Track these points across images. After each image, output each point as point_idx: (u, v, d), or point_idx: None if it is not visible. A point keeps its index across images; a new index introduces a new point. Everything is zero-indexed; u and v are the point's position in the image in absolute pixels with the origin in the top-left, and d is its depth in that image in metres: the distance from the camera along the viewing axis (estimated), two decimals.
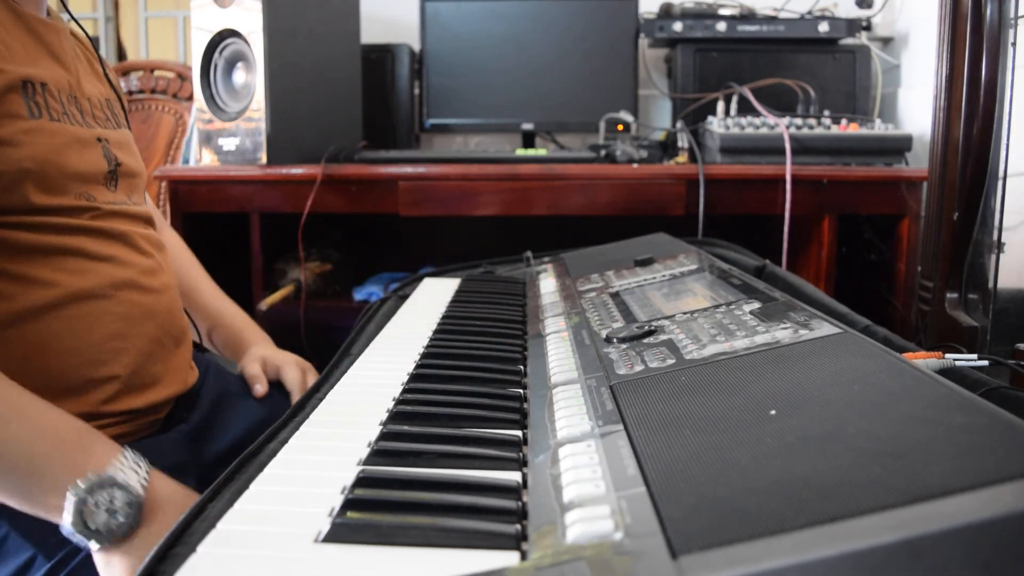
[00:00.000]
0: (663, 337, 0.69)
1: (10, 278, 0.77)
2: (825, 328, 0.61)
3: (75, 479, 0.66)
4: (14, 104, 0.76)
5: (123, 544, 0.67)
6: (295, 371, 1.07)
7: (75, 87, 0.86)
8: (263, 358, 1.09)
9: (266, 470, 0.53)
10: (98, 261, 0.82)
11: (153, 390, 0.87)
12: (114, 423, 0.83)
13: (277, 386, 1.08)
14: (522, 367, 0.75)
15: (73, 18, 0.95)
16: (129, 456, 0.71)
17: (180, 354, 0.93)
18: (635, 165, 1.64)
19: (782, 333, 0.62)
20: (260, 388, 1.05)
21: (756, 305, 0.72)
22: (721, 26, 1.87)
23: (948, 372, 0.68)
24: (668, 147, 1.79)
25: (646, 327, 0.72)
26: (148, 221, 0.94)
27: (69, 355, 0.79)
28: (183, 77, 2.05)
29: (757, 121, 1.65)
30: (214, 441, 0.93)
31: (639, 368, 0.62)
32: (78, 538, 0.66)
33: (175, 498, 0.71)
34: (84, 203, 0.82)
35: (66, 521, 0.66)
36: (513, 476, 0.51)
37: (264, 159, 1.58)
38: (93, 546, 0.66)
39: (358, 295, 1.81)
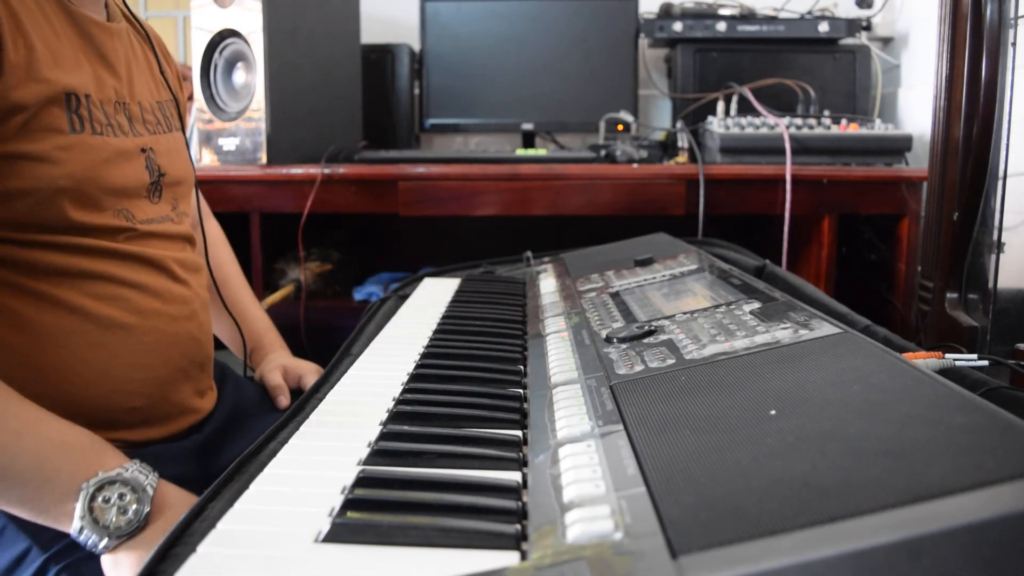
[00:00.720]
0: (663, 337, 0.69)
1: (38, 299, 0.76)
2: (825, 328, 0.61)
3: (78, 484, 0.67)
4: (55, 117, 0.74)
5: (130, 542, 0.67)
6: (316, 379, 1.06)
7: (124, 94, 0.84)
8: (283, 367, 1.08)
9: (266, 470, 0.53)
10: (128, 288, 0.81)
11: (172, 421, 0.87)
12: (128, 451, 0.82)
13: (295, 395, 1.07)
14: (522, 367, 0.75)
15: (134, 18, 0.93)
16: (137, 462, 0.72)
17: (202, 380, 0.92)
18: (635, 165, 1.64)
19: (782, 333, 0.62)
20: (284, 400, 1.04)
21: (756, 305, 0.72)
22: (721, 26, 1.87)
23: (948, 372, 0.68)
24: (668, 147, 1.79)
25: (646, 327, 0.72)
26: (187, 239, 0.92)
27: (92, 384, 0.79)
28: (183, 77, 2.05)
29: (757, 121, 1.65)
30: (226, 453, 0.92)
31: (639, 368, 0.62)
32: (87, 537, 0.66)
33: (181, 499, 0.72)
34: (122, 222, 0.81)
35: (76, 519, 0.66)
36: (513, 476, 0.51)
37: (264, 159, 1.58)
38: (101, 545, 0.66)
39: (358, 295, 1.81)
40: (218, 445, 0.92)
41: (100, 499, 0.67)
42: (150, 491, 0.70)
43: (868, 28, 1.92)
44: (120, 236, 0.81)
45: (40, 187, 0.73)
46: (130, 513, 0.68)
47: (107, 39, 0.84)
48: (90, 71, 0.80)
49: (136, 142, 0.84)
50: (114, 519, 0.67)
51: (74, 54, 0.79)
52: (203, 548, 0.42)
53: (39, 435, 0.69)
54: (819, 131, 1.63)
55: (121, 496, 0.68)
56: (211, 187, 1.63)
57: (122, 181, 0.81)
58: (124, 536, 0.67)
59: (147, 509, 0.69)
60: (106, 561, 0.68)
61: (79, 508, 0.66)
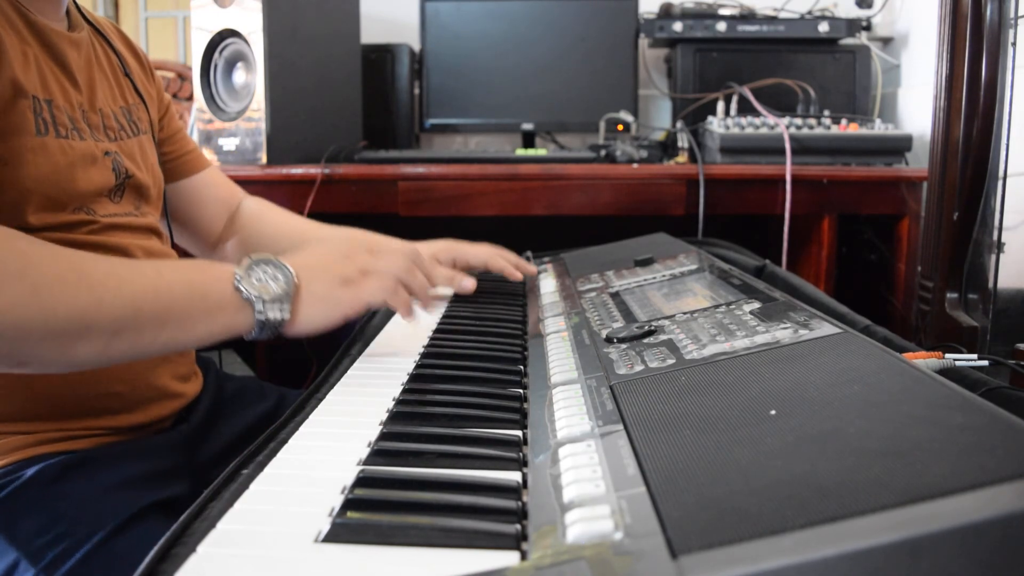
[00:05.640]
0: (663, 337, 0.69)
1: None
2: (825, 328, 0.61)
3: (230, 280, 0.70)
4: (23, 118, 0.73)
5: (298, 300, 0.72)
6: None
7: (85, 103, 0.84)
8: (433, 256, 1.09)
9: (266, 470, 0.53)
10: None
11: (156, 405, 0.86)
12: (117, 438, 0.82)
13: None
14: (522, 367, 0.75)
15: (92, 23, 0.92)
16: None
17: (182, 364, 0.92)
18: (635, 165, 1.64)
19: (782, 333, 0.62)
20: (469, 283, 1.02)
21: (756, 305, 0.72)
22: (721, 26, 1.87)
23: (948, 372, 0.68)
24: (668, 147, 1.79)
25: (646, 327, 0.72)
26: (152, 231, 0.92)
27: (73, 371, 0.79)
28: (183, 77, 2.05)
29: (757, 121, 1.65)
30: (209, 444, 0.93)
31: (639, 368, 0.62)
32: (273, 313, 0.70)
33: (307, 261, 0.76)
34: (83, 216, 0.80)
35: (255, 303, 0.69)
36: (513, 476, 0.51)
37: (264, 159, 1.58)
38: (285, 312, 0.71)
39: None
40: (202, 436, 0.92)
41: (255, 279, 0.70)
42: (273, 258, 0.73)
43: (868, 28, 1.92)
44: (82, 229, 0.80)
45: (6, 189, 0.72)
46: (280, 278, 0.72)
47: (69, 49, 0.83)
48: (53, 81, 0.79)
49: (100, 147, 0.83)
50: (274, 286, 0.71)
51: (38, 64, 0.78)
52: (203, 548, 0.42)
53: (167, 267, 0.70)
54: (819, 131, 1.63)
55: (264, 270, 0.71)
56: None
57: (86, 185, 0.80)
58: (289, 295, 0.71)
59: (288, 268, 0.72)
60: (294, 329, 0.73)
61: (251, 292, 0.69)
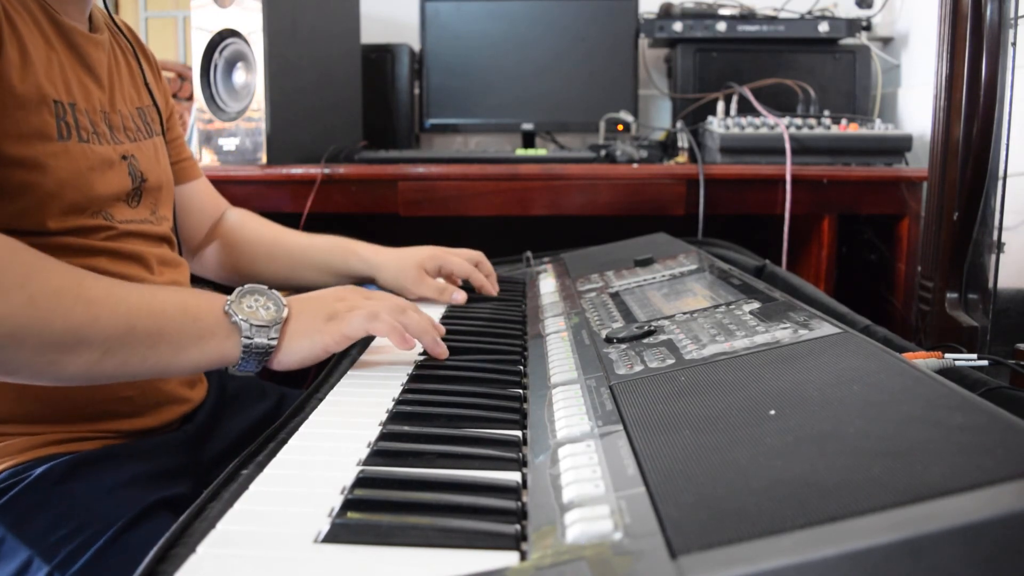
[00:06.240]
0: (663, 337, 0.69)
1: None
2: (825, 328, 0.61)
3: (221, 306, 0.71)
4: (44, 122, 0.74)
5: (287, 330, 0.74)
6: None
7: (106, 104, 0.85)
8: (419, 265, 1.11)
9: (266, 470, 0.53)
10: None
11: (165, 410, 0.87)
12: (124, 441, 0.82)
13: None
14: (522, 367, 0.75)
15: (116, 25, 0.92)
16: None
17: None
18: (635, 165, 1.64)
19: (782, 333, 0.62)
20: (460, 296, 1.06)
21: (756, 305, 0.72)
22: (721, 26, 1.87)
23: (948, 372, 0.68)
24: (668, 147, 1.79)
25: (646, 327, 0.72)
26: (165, 240, 0.93)
27: None
28: (183, 77, 2.05)
29: (757, 121, 1.65)
30: (211, 443, 0.93)
31: (639, 368, 0.62)
32: (259, 338, 0.71)
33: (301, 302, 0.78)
34: (101, 222, 0.81)
35: (242, 327, 0.71)
36: (513, 476, 0.51)
37: (264, 159, 1.58)
38: (272, 335, 0.72)
39: None
40: (205, 436, 0.93)
41: (245, 306, 0.72)
42: (266, 288, 0.75)
43: (868, 28, 1.92)
44: (99, 235, 0.81)
45: (28, 193, 0.73)
46: (272, 307, 0.73)
47: (92, 49, 0.84)
48: (77, 82, 0.80)
49: (118, 150, 0.84)
50: (264, 313, 0.72)
51: (62, 64, 0.79)
52: (203, 548, 0.42)
53: (162, 291, 0.72)
54: (819, 131, 1.63)
55: (255, 299, 0.73)
56: None
57: (105, 189, 0.81)
58: (278, 324, 0.73)
59: (281, 299, 0.74)
60: (277, 361, 0.74)
61: (239, 316, 0.71)
